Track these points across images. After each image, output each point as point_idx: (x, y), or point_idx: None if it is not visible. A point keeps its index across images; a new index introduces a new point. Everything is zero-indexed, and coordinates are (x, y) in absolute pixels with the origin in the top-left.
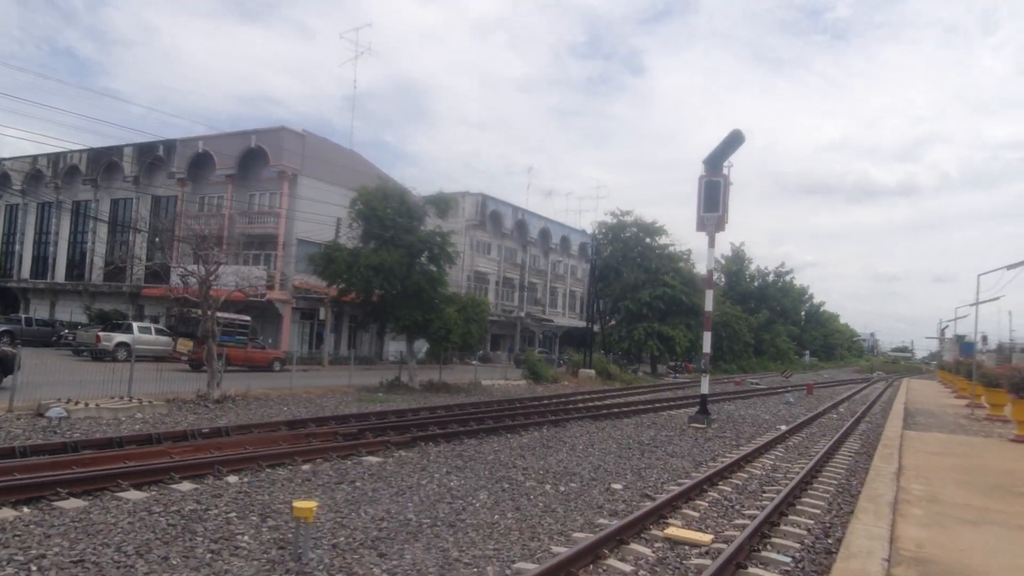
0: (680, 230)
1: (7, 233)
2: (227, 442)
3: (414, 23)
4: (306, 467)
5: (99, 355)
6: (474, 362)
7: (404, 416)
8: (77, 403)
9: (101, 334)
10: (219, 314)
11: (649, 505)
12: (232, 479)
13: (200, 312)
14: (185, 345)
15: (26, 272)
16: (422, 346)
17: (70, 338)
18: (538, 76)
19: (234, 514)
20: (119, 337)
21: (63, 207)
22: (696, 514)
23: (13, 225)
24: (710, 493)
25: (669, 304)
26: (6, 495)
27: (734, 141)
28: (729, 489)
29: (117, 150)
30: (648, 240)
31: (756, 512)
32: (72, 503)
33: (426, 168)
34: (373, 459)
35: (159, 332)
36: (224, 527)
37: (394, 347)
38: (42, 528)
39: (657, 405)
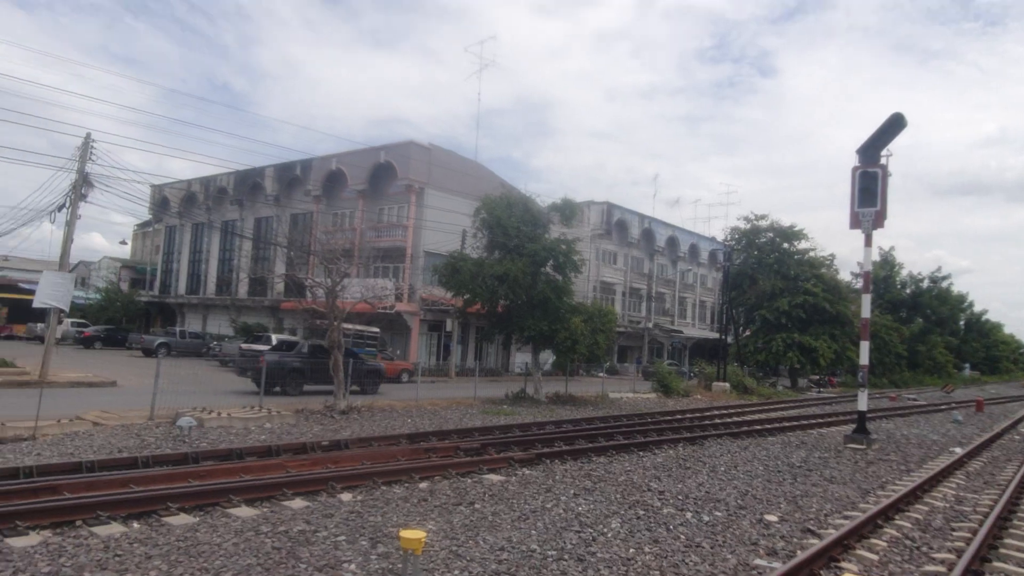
0: (816, 236)
1: (167, 252)
2: (345, 456)
3: (536, 38)
4: (423, 485)
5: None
6: (601, 374)
7: (528, 430)
8: (211, 412)
9: (243, 346)
10: (349, 326)
11: (816, 544)
12: (345, 497)
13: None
14: None
15: (182, 288)
16: (548, 357)
17: (217, 349)
18: (663, 84)
19: (343, 537)
20: (260, 349)
21: (213, 227)
22: (874, 556)
23: (171, 245)
24: (886, 530)
25: (811, 313)
26: (118, 509)
27: (894, 126)
28: (909, 525)
29: (259, 171)
30: (785, 245)
31: (949, 556)
32: (181, 519)
33: (551, 182)
34: (495, 478)
35: None
36: (331, 552)
37: (520, 359)
38: (145, 548)
39: (804, 422)
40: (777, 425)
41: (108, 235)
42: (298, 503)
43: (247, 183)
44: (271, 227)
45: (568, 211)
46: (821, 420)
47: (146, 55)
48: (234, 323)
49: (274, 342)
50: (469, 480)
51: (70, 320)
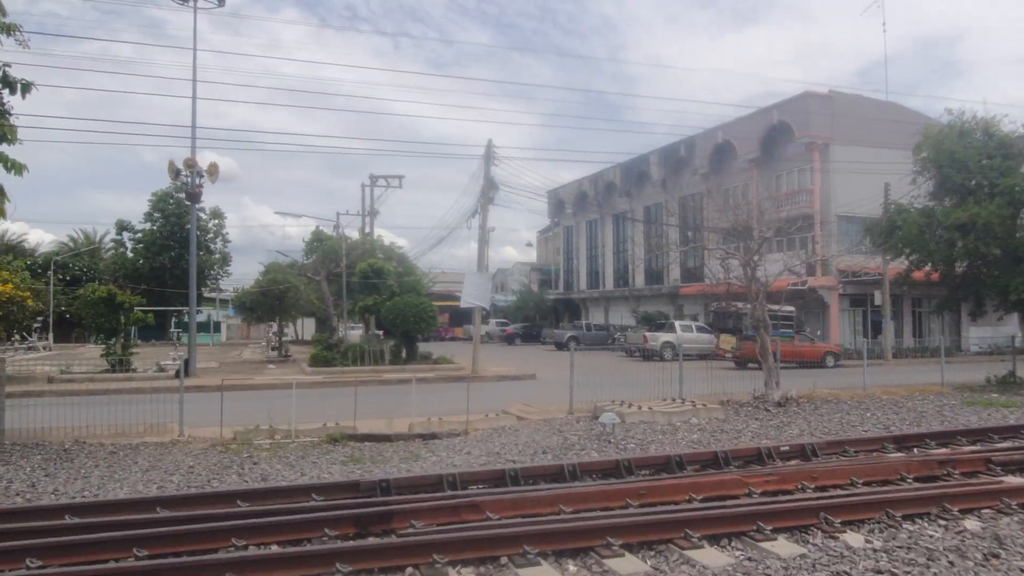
0: None
1: (566, 252)
2: (821, 470)
3: None
4: (972, 524)
5: (648, 355)
6: None
7: None
8: (630, 405)
9: (648, 334)
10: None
11: None
12: (850, 538)
13: (741, 306)
14: (728, 341)
15: (583, 284)
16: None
17: (622, 340)
18: None
19: None
20: (664, 337)
21: (605, 221)
22: None
23: (570, 244)
24: None
25: None
26: (547, 543)
27: None
28: None
29: (644, 159)
30: None
31: None
32: (626, 565)
33: None
34: None
35: (700, 330)
36: None
37: (975, 334)
38: None
39: None
40: None
41: (519, 247)
42: (783, 546)
43: (633, 173)
44: (661, 213)
45: None
46: None
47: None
48: (635, 313)
49: (678, 328)
50: None
51: (495, 320)
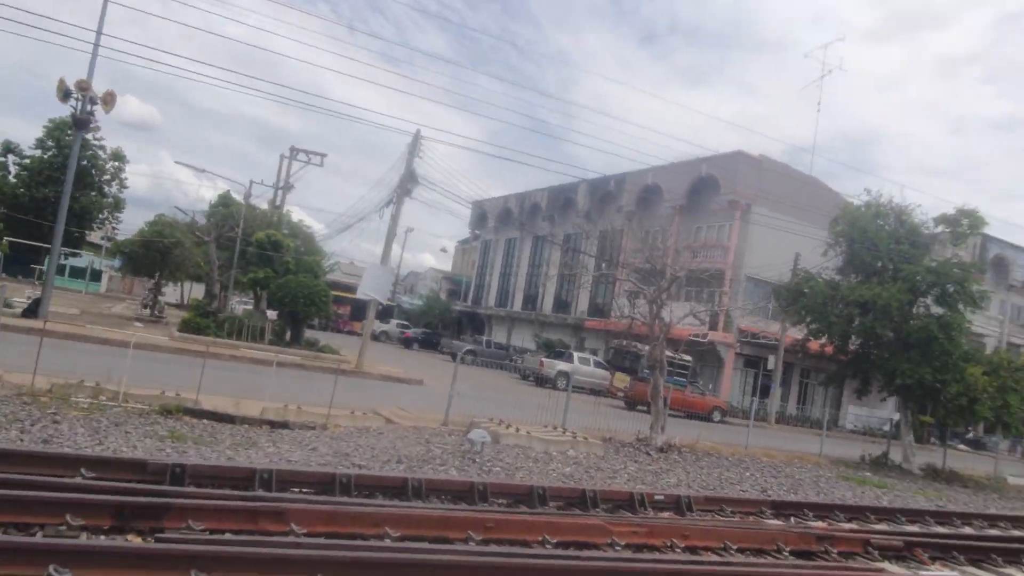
0: None
1: (481, 266)
2: (693, 528)
3: (865, 67)
4: None
5: (541, 380)
6: (960, 446)
7: (948, 522)
8: (509, 426)
9: (545, 360)
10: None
11: None
12: None
13: (640, 347)
14: (622, 380)
15: (492, 300)
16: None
17: (519, 362)
18: None
19: None
20: (560, 365)
21: (525, 241)
22: None
23: (486, 258)
24: None
25: None
26: (354, 570)
27: None
28: None
29: (573, 187)
30: None
31: None
32: None
33: None
34: None
35: (597, 364)
36: None
37: (853, 412)
38: None
39: None
40: None
41: (439, 256)
42: None
43: (560, 199)
44: (580, 242)
45: (967, 225)
46: None
47: (482, 97)
48: (537, 337)
49: (576, 360)
50: None
51: (396, 321)
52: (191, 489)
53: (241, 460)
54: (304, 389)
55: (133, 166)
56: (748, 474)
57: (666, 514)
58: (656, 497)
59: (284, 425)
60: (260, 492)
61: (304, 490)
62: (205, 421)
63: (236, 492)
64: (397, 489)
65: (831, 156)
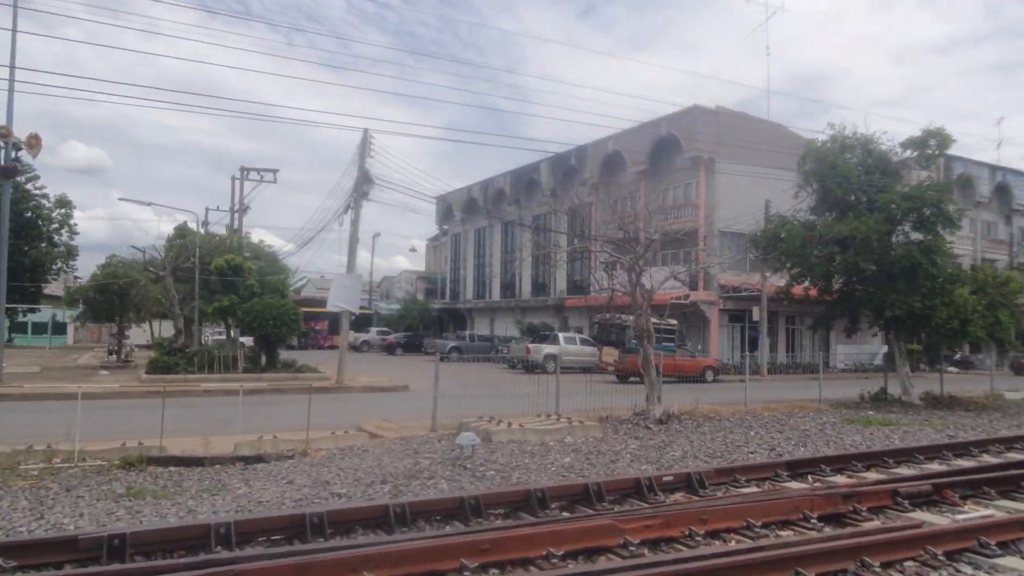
0: None
1: (454, 260)
2: (710, 509)
3: (806, 7)
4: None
5: (530, 367)
6: (950, 368)
7: (966, 452)
8: (500, 422)
9: (531, 346)
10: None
11: None
12: None
13: (624, 318)
14: (611, 354)
15: (470, 294)
16: (877, 349)
17: (505, 351)
18: (964, 33)
19: None
20: (547, 348)
21: (494, 229)
22: None
23: (457, 252)
24: None
25: None
26: None
27: None
28: None
29: (534, 167)
30: None
31: None
32: None
33: None
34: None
35: (583, 342)
36: None
37: (843, 351)
38: None
39: None
40: None
41: (410, 257)
42: None
43: (523, 181)
44: (550, 222)
45: (935, 145)
46: None
47: (429, 93)
48: (519, 324)
49: (562, 340)
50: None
51: (375, 329)
52: (129, 565)
53: (204, 510)
54: (281, 415)
55: (90, 211)
56: (753, 433)
57: (678, 495)
58: (665, 478)
59: (259, 459)
60: (215, 553)
61: (272, 538)
62: (172, 468)
63: (183, 560)
64: (378, 519)
65: (784, 101)
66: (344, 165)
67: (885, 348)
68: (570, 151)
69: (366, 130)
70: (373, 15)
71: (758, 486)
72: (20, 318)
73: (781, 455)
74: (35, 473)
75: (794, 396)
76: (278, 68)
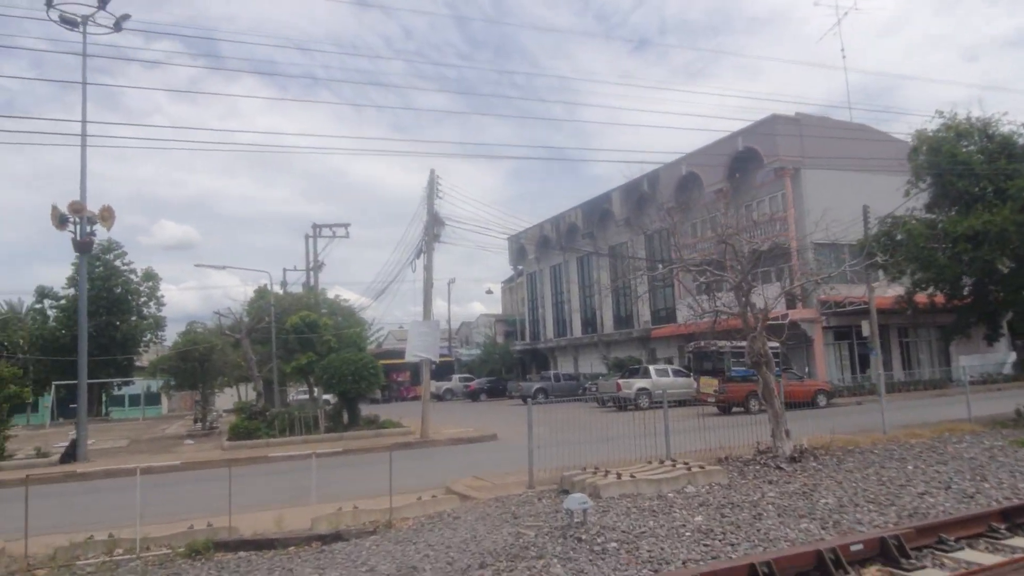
0: None
1: (531, 300)
2: None
3: (865, 17)
4: None
5: (622, 404)
6: None
7: None
8: (607, 473)
9: (621, 382)
10: (739, 343)
11: None
12: None
13: (721, 345)
14: (709, 384)
15: (550, 332)
16: (1005, 358)
17: (593, 389)
18: None
19: None
20: (638, 383)
21: (570, 264)
22: None
23: (535, 292)
24: None
25: None
26: None
27: None
28: None
29: (606, 197)
30: None
31: None
32: None
33: None
34: None
35: (676, 373)
36: None
37: (966, 363)
38: None
39: None
40: None
41: (486, 301)
42: None
43: (595, 213)
44: (626, 252)
45: None
46: None
47: (495, 141)
48: (605, 359)
49: (653, 373)
50: None
51: (458, 376)
52: None
53: None
54: (364, 478)
55: (183, 284)
56: (911, 467)
57: (872, 569)
58: (852, 547)
59: (337, 536)
60: None
61: None
62: (241, 554)
63: None
64: None
65: (855, 112)
66: (411, 217)
67: (1013, 356)
68: (641, 177)
69: (432, 170)
70: (432, 74)
71: (975, 547)
72: (116, 391)
73: (977, 499)
74: (91, 570)
75: (931, 417)
76: (349, 130)
